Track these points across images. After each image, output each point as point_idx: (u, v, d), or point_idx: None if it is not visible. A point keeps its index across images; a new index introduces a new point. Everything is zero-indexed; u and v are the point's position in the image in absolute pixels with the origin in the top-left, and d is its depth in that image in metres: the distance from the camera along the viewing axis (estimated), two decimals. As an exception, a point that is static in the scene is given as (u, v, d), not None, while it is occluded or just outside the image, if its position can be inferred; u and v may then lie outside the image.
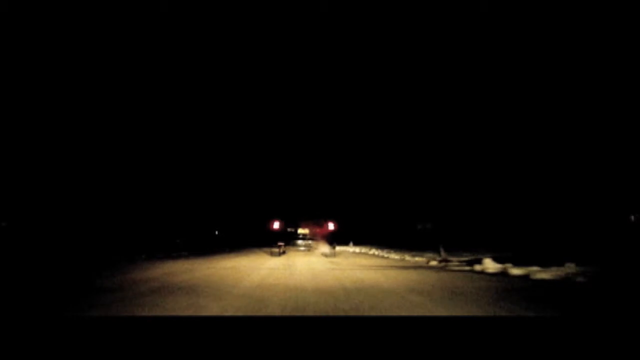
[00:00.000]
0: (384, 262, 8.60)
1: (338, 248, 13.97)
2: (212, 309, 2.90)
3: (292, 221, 12.17)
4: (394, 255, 10.89)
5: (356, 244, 19.62)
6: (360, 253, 13.14)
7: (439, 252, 9.26)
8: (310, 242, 12.08)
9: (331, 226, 11.21)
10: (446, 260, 8.09)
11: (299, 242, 12.14)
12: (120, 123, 18.96)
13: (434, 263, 8.00)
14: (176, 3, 18.35)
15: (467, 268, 6.61)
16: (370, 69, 26.00)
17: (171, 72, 23.62)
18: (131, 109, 19.87)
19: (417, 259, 9.33)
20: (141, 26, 19.48)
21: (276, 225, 11.04)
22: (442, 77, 20.04)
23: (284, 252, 10.72)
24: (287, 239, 11.85)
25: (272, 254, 10.34)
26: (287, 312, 2.82)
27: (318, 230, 11.61)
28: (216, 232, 29.11)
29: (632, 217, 11.24)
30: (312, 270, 6.33)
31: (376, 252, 12.56)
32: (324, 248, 11.03)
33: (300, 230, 12.21)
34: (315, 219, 11.89)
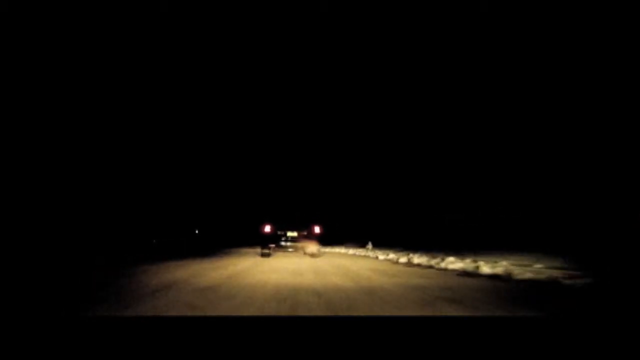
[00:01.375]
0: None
1: (343, 250, 15.25)
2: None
3: (282, 224, 12.67)
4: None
5: (381, 245, 14.24)
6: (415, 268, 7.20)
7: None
8: (298, 244, 12.79)
9: (317, 229, 12.07)
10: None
11: (288, 244, 12.89)
12: (105, 119, 18.95)
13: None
14: (176, 3, 18.33)
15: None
16: (370, 68, 25.94)
17: (166, 72, 23.62)
18: (121, 107, 19.86)
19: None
20: (141, 26, 19.46)
21: (267, 228, 11.89)
22: (440, 77, 20.00)
23: (269, 254, 11.55)
24: (277, 241, 12.43)
25: (262, 255, 11.32)
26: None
27: (306, 233, 12.32)
28: (196, 231, 29.02)
29: None
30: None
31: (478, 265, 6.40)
32: (312, 249, 11.75)
33: (289, 233, 12.91)
34: (304, 222, 12.60)
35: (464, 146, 18.42)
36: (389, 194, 24.44)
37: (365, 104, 26.79)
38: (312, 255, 11.45)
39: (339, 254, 14.72)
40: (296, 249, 12.51)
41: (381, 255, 11.14)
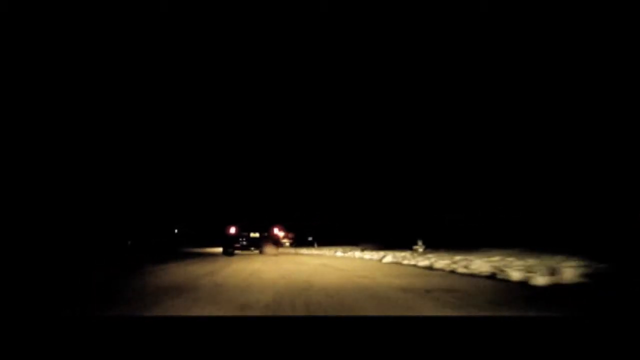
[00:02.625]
0: None
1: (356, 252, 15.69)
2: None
3: (246, 225, 13.86)
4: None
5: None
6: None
7: None
8: (259, 244, 13.79)
9: (276, 230, 13.63)
10: None
11: (249, 243, 14.42)
12: (91, 120, 18.97)
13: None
14: (176, 3, 18.35)
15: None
16: (370, 68, 25.93)
17: (157, 72, 23.64)
18: (106, 108, 19.89)
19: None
20: (141, 26, 19.48)
21: (232, 230, 13.20)
22: (441, 77, 19.96)
23: (233, 253, 12.43)
24: (240, 242, 13.70)
25: (225, 254, 12.14)
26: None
27: (266, 234, 13.58)
28: (175, 231, 29.75)
29: None
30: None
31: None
32: (270, 250, 12.79)
33: (252, 234, 14.34)
34: (266, 224, 13.90)
35: (465, 145, 18.28)
36: (394, 194, 23.92)
37: (367, 105, 26.76)
38: (271, 254, 12.29)
39: (362, 260, 9.31)
40: (257, 248, 13.46)
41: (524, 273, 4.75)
